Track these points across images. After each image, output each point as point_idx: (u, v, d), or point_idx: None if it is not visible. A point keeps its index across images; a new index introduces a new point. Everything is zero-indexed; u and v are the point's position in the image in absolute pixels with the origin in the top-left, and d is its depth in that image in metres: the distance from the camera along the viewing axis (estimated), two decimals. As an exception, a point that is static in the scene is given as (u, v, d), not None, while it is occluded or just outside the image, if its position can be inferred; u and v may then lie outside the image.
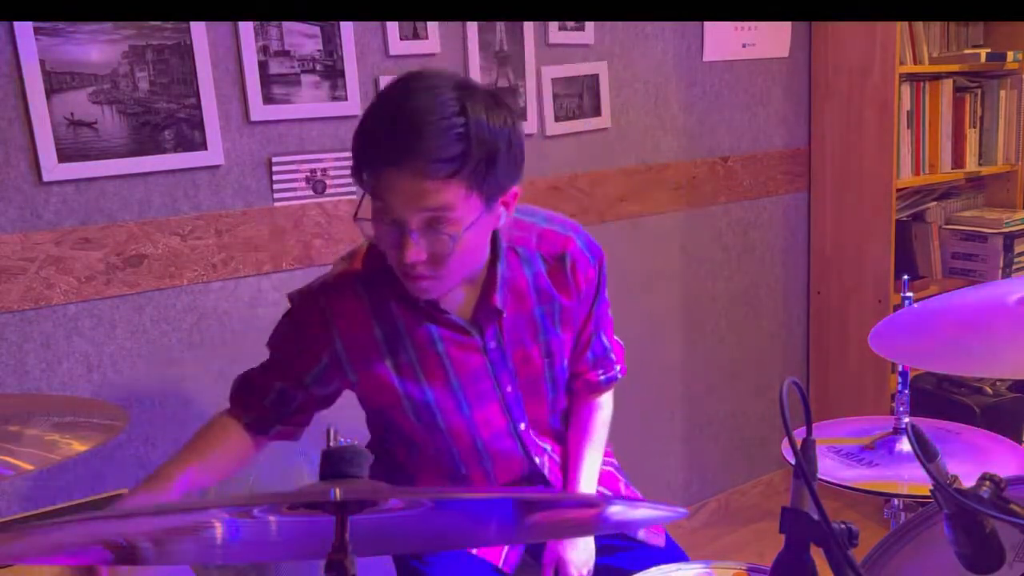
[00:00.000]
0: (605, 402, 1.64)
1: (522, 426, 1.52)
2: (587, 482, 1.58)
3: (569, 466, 1.60)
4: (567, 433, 1.62)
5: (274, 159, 2.07)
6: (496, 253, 1.40)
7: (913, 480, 1.54)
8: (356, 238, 2.19)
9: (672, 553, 1.58)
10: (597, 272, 1.51)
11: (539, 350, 1.48)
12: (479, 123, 1.20)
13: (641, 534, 1.58)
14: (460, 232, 1.24)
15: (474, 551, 1.53)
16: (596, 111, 2.55)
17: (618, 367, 1.63)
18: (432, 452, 1.51)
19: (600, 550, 1.57)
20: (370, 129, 1.23)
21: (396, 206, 1.22)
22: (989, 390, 2.78)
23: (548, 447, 1.59)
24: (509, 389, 1.48)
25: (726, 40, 2.78)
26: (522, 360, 1.47)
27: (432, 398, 1.45)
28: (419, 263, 1.25)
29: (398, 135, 1.19)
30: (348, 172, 2.12)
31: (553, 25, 2.42)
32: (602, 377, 1.61)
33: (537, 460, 1.56)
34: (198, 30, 1.92)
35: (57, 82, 1.80)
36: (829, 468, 1.61)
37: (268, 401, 1.45)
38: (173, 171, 1.96)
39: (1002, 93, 3.03)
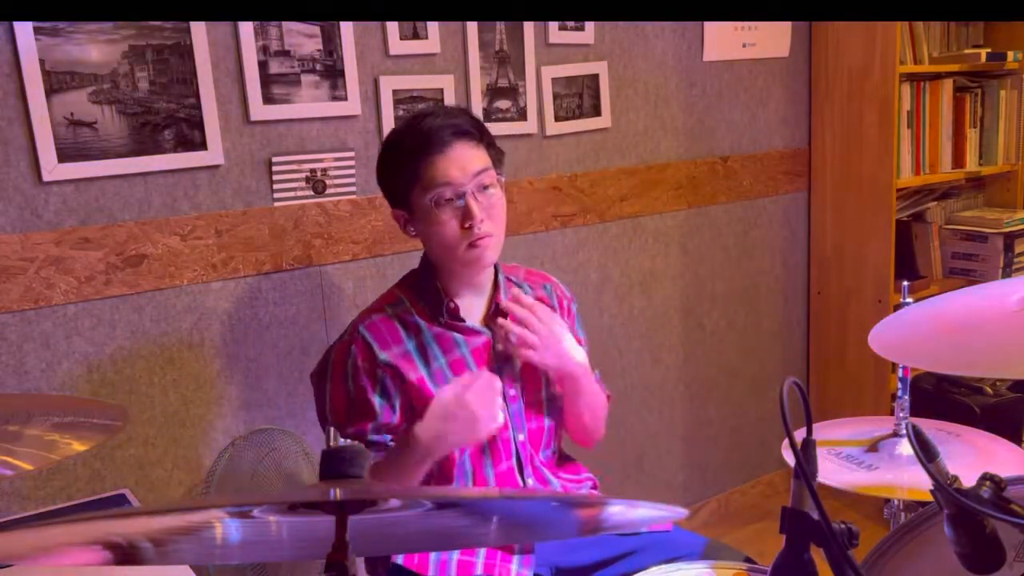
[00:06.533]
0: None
1: (521, 437, 1.63)
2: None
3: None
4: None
5: (274, 159, 2.06)
6: (496, 278, 1.67)
7: (914, 485, 1.54)
8: (356, 238, 2.19)
9: (682, 538, 1.59)
10: (575, 310, 1.77)
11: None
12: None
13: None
14: (499, 187, 1.57)
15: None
16: (596, 111, 2.55)
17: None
18: (446, 466, 1.59)
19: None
20: (425, 124, 1.52)
21: (456, 178, 1.51)
22: (989, 390, 2.78)
23: (548, 475, 1.67)
24: (512, 392, 1.62)
25: (726, 40, 2.78)
26: (523, 369, 1.63)
27: None
28: (483, 221, 1.52)
29: (455, 117, 1.55)
30: (348, 172, 2.13)
31: (553, 25, 2.42)
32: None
33: (530, 482, 1.63)
34: (198, 30, 1.92)
35: (57, 82, 1.80)
36: (830, 471, 1.61)
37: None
38: (173, 171, 1.96)
39: (1002, 93, 3.03)
